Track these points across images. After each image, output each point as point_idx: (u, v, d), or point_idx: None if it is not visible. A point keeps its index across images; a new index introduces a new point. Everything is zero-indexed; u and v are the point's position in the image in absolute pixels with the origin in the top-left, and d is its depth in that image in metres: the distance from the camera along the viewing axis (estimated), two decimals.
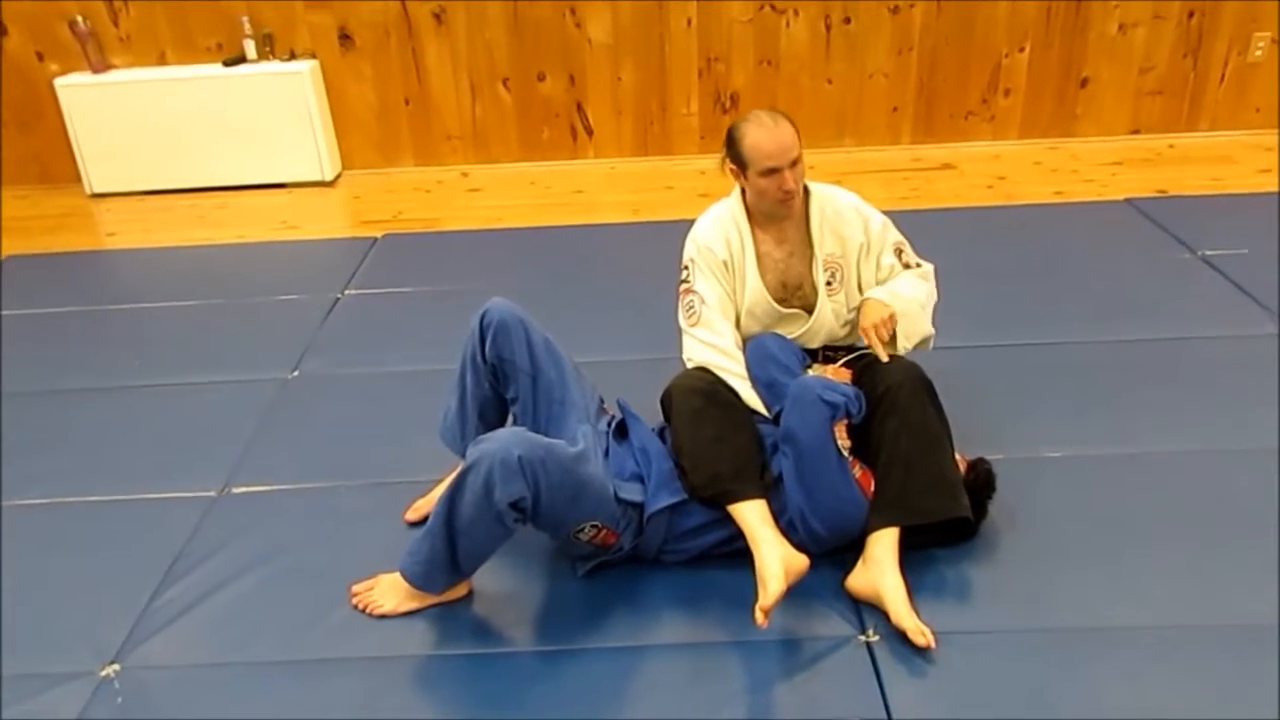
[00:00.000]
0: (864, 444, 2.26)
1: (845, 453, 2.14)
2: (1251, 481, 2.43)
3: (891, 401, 2.21)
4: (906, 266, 2.47)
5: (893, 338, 2.34)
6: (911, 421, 2.19)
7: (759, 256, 2.42)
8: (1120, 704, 1.87)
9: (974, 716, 1.86)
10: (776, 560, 2.01)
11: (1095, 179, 4.75)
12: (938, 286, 2.52)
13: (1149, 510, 2.36)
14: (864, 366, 2.33)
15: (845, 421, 2.18)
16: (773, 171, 2.26)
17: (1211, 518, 2.33)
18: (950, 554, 2.24)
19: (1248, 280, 3.44)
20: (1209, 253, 3.68)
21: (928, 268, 2.51)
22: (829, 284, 2.42)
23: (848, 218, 2.42)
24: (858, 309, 2.44)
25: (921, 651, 1.98)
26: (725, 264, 2.42)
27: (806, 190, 2.40)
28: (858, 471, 2.17)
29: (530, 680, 2.00)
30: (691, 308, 2.42)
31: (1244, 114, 5.17)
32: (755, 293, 2.42)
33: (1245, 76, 5.09)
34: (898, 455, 2.17)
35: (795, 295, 2.44)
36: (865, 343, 2.33)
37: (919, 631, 1.99)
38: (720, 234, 2.42)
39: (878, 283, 2.44)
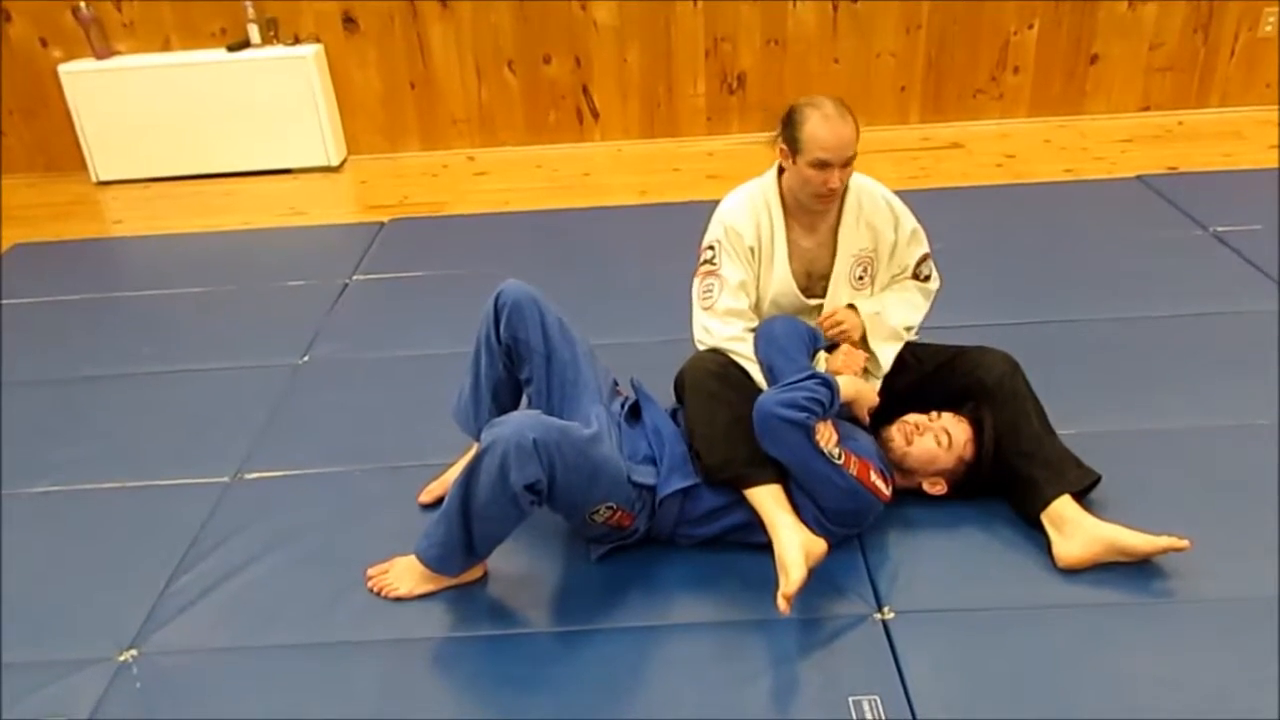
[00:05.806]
0: (948, 400, 2.32)
1: (834, 454, 2.08)
2: (1265, 456, 2.42)
3: (1010, 389, 2.29)
4: (916, 276, 2.44)
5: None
6: (1029, 407, 2.28)
7: (788, 243, 2.35)
8: (1133, 679, 1.87)
9: (989, 691, 1.86)
10: (796, 546, 2.00)
11: (1105, 156, 4.73)
12: (941, 275, 2.51)
13: (1163, 485, 2.35)
14: (958, 352, 2.38)
15: (826, 421, 2.11)
16: (823, 165, 2.17)
17: (1227, 492, 2.32)
18: (965, 531, 2.25)
19: (1259, 255, 3.42)
20: (1220, 229, 3.66)
21: (933, 286, 2.48)
22: (860, 278, 2.39)
23: (881, 212, 2.37)
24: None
25: (937, 628, 1.99)
26: (752, 250, 2.34)
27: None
28: (853, 466, 2.09)
29: (547, 661, 2.01)
30: (710, 291, 2.35)
31: (1254, 90, 5.14)
32: (782, 282, 2.36)
33: (1255, 52, 5.05)
34: (1033, 435, 2.25)
35: (819, 285, 2.39)
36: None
37: (1172, 541, 2.05)
38: (750, 218, 2.34)
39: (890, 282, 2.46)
